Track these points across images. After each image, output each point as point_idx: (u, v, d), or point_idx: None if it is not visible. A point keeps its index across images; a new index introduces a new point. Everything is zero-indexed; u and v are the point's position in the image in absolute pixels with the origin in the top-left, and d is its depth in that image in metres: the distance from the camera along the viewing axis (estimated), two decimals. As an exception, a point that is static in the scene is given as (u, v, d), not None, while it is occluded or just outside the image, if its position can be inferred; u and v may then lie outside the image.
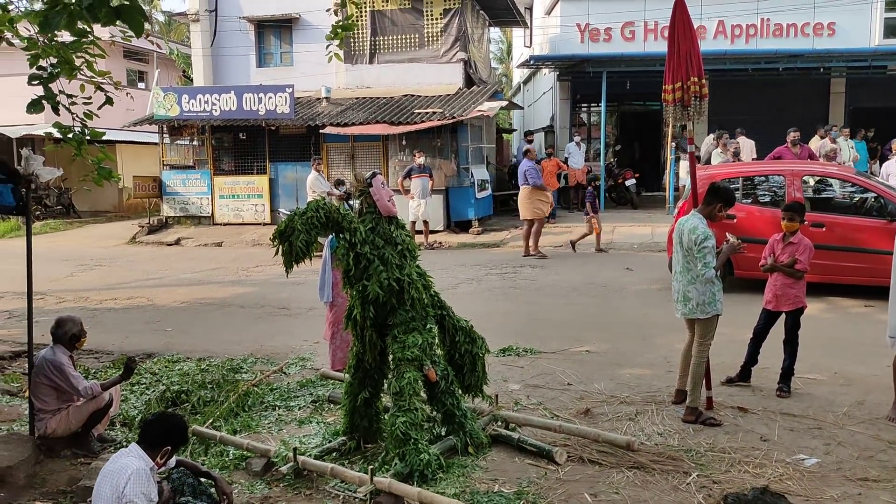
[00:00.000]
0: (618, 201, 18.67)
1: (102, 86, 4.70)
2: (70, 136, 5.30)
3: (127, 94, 5.50)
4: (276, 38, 18.47)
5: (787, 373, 6.06)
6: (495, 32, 42.16)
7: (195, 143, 17.72)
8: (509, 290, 10.35)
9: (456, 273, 11.67)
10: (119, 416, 6.00)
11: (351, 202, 13.50)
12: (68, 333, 5.44)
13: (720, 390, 6.14)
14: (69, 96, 4.89)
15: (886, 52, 17.46)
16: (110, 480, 3.46)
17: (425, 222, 14.11)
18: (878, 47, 17.78)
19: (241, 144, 17.39)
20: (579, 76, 19.15)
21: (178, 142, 18.02)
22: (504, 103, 16.70)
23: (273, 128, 16.53)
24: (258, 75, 18.25)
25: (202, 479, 3.89)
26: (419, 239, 14.16)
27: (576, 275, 11.29)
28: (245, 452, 5.08)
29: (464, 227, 15.48)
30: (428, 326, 4.94)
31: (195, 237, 16.62)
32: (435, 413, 5.18)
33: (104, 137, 5.14)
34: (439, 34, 16.97)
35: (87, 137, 5.03)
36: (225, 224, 17.29)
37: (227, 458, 5.09)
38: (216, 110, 16.01)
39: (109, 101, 4.44)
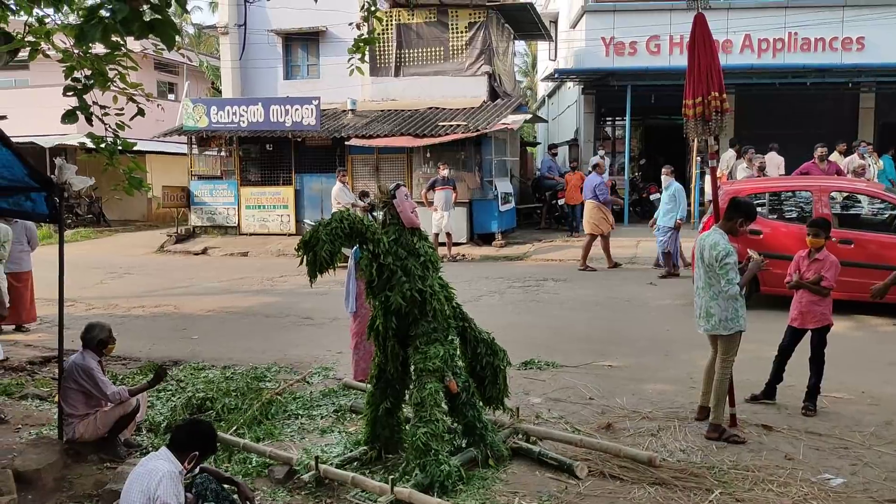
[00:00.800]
0: (642, 215, 18.57)
1: (134, 97, 4.79)
2: (102, 146, 5.41)
3: (158, 105, 5.60)
4: (303, 50, 18.71)
5: (812, 391, 5.98)
6: (520, 45, 42.41)
7: (223, 153, 17.97)
8: (532, 304, 10.34)
9: (478, 285, 11.69)
10: (145, 421, 6.08)
11: (375, 213, 13.70)
12: (97, 339, 5.54)
13: (744, 408, 6.08)
14: (102, 107, 5.00)
15: (917, 66, 17.25)
16: (140, 482, 3.51)
17: (448, 234, 14.16)
18: (909, 62, 17.57)
19: (268, 155, 17.61)
20: (604, 90, 19.15)
21: (207, 153, 18.29)
22: (528, 116, 16.74)
23: (299, 139, 16.72)
24: (285, 87, 18.49)
25: (225, 486, 3.93)
26: (442, 251, 14.21)
27: (599, 289, 11.25)
28: (268, 460, 5.13)
29: (487, 239, 15.51)
30: (450, 338, 4.97)
31: (221, 247, 16.82)
32: (456, 424, 5.19)
33: (135, 148, 5.25)
34: (464, 47, 17.09)
35: (119, 148, 5.14)
36: (251, 234, 17.50)
37: (249, 466, 5.14)
38: (244, 122, 16.24)
39: (141, 112, 4.55)
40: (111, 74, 4.52)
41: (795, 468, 4.94)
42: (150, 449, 5.57)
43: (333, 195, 13.91)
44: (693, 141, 16.43)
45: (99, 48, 4.26)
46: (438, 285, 5.04)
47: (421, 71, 17.46)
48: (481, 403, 5.33)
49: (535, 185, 18.63)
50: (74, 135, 23.08)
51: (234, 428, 5.83)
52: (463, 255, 14.47)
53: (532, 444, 5.37)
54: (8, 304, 8.75)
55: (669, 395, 6.50)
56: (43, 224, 21.72)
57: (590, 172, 13.31)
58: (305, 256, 4.69)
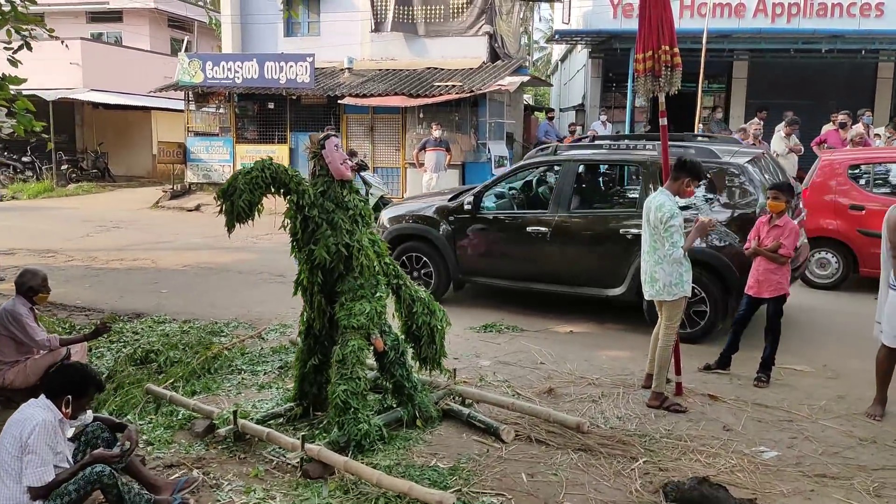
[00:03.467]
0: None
1: (32, 31, 4.59)
2: None
3: (62, 42, 5.22)
4: (304, 6, 18.36)
5: (766, 362, 5.78)
6: (545, 10, 41.46)
7: (221, 110, 17.80)
8: (509, 268, 10.12)
9: (460, 248, 11.48)
10: (86, 372, 6.03)
11: (363, 174, 13.49)
12: (26, 285, 5.44)
13: (695, 377, 5.91)
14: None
15: (938, 35, 16.54)
16: (14, 429, 3.42)
17: (439, 197, 13.92)
18: (930, 30, 16.86)
19: (265, 113, 17.40)
20: (611, 54, 18.58)
21: (205, 109, 18.13)
22: (525, 78, 16.30)
23: (294, 97, 16.49)
24: (285, 44, 18.19)
25: (118, 434, 3.84)
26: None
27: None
28: (192, 413, 5.05)
29: (479, 202, 15.23)
30: (377, 295, 4.81)
31: (214, 204, 16.71)
32: (386, 384, 5.07)
33: (139, 104, 5.01)
34: (465, 6, 16.64)
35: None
36: (246, 192, 17.32)
37: (174, 419, 5.07)
38: (238, 78, 16.02)
39: (28, 45, 4.35)
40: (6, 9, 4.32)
41: (731, 440, 4.78)
42: (88, 398, 5.53)
43: (323, 154, 13.68)
44: (698, 107, 16.00)
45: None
46: (368, 240, 4.86)
47: (420, 30, 17.05)
48: (416, 363, 5.21)
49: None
50: (80, 89, 23.16)
51: (172, 381, 5.76)
52: (453, 218, 14.25)
53: (468, 406, 5.24)
54: None
55: (623, 362, 6.33)
56: (43, 178, 21.86)
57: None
58: (223, 206, 4.54)
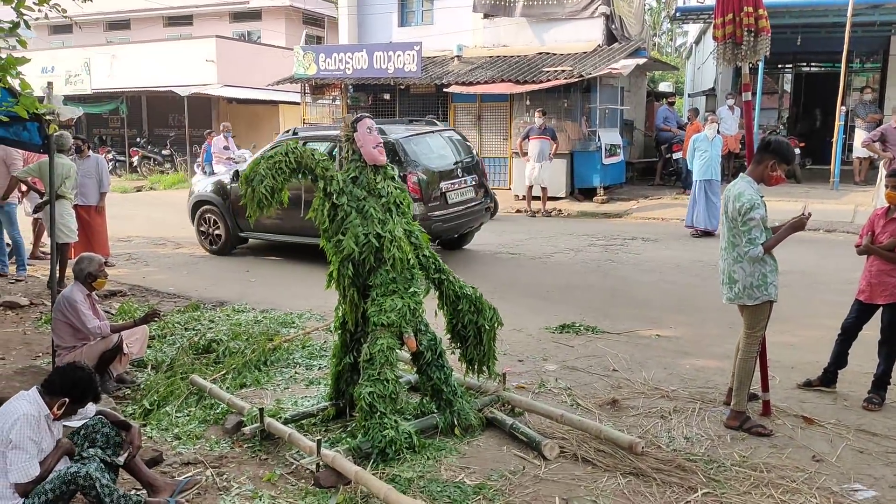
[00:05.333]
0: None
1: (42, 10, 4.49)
2: None
3: (74, 20, 5.17)
4: (417, -6, 18.26)
5: (880, 381, 4.87)
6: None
7: (337, 101, 18.04)
8: (605, 263, 9.44)
9: (557, 241, 10.88)
10: (150, 359, 6.08)
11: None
12: (84, 272, 5.50)
13: (792, 394, 5.09)
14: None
15: None
16: (-4, 420, 3.33)
17: (543, 188, 13.31)
18: None
19: (377, 104, 17.45)
20: (745, 33, 17.10)
21: (320, 101, 18.45)
22: (641, 61, 15.23)
23: (402, 87, 16.38)
24: (400, 34, 18.15)
25: (120, 431, 3.69)
26: (536, 205, 13.42)
27: (688, 251, 10.09)
28: (229, 408, 4.90)
29: (588, 194, 14.46)
30: (411, 290, 4.43)
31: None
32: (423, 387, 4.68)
33: (267, 98, 4.85)
34: (580, -14, 15.83)
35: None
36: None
37: (211, 412, 4.93)
38: (349, 69, 16.11)
39: (26, 24, 4.27)
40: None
41: (820, 472, 4.00)
42: (143, 386, 5.55)
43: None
44: (841, 88, 14.33)
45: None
46: (403, 231, 4.48)
47: (533, 13, 16.39)
48: (464, 367, 4.80)
49: (656, 138, 17.16)
50: (215, 85, 24.39)
51: (224, 372, 5.67)
52: (559, 211, 13.59)
53: (516, 415, 4.76)
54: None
55: (708, 372, 5.58)
56: (178, 169, 23.17)
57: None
58: (245, 192, 4.31)
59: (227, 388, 5.36)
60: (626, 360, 5.88)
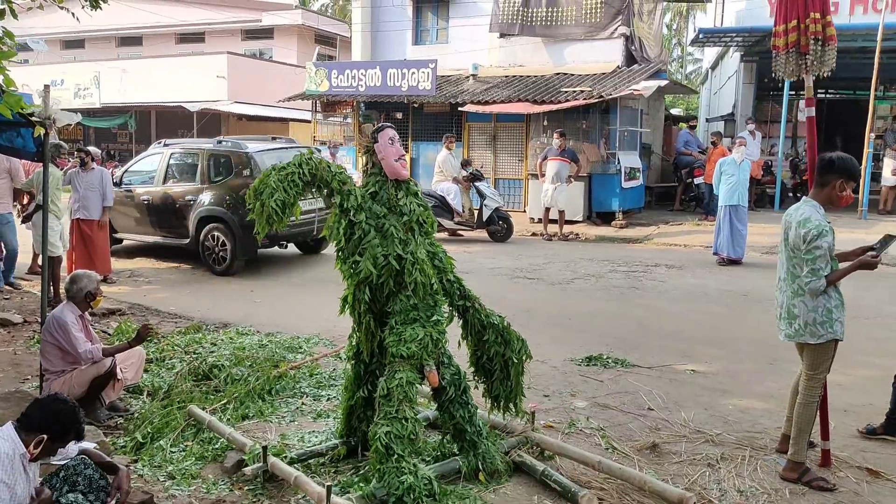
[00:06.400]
0: (802, 201, 16.16)
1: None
2: None
3: (72, 12, 4.85)
4: (433, 14, 17.97)
5: None
6: (700, 20, 39.22)
7: (348, 119, 17.72)
8: (628, 291, 8.97)
9: (577, 267, 10.42)
10: (145, 385, 5.64)
11: (478, 184, 12.73)
12: (83, 290, 5.10)
13: (852, 443, 4.61)
14: None
15: None
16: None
17: (561, 212, 12.87)
18: None
19: (389, 122, 17.11)
20: (766, 57, 16.73)
21: (332, 118, 18.13)
22: (663, 83, 14.87)
23: (416, 105, 16.05)
24: (414, 52, 17.86)
25: (105, 474, 3.25)
26: (552, 229, 12.98)
27: (714, 279, 9.62)
28: (229, 443, 4.44)
29: (607, 219, 14.02)
30: (434, 318, 3.99)
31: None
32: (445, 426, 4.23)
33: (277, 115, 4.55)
34: (599, 7, 15.50)
35: None
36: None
37: (210, 448, 4.48)
38: (362, 86, 15.80)
39: (13, 12, 3.90)
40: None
41: (896, 537, 3.51)
42: (137, 415, 5.10)
43: (438, 162, 13.10)
44: (870, 115, 13.93)
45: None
46: (426, 252, 4.05)
47: (550, 33, 16.06)
48: (488, 403, 4.34)
49: (675, 162, 16.77)
50: (225, 101, 24.18)
51: (225, 401, 5.21)
52: (576, 235, 13.14)
53: (546, 459, 4.29)
54: (66, 247, 8.85)
55: (754, 414, 5.11)
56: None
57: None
58: (253, 206, 3.89)
59: (228, 419, 4.92)
60: (661, 397, 5.40)
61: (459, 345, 4.30)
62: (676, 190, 16.06)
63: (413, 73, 15.11)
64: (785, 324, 4.05)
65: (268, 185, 3.82)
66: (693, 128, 16.42)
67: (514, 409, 4.37)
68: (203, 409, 4.94)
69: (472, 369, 4.33)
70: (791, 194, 16.12)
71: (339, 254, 4.10)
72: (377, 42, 18.50)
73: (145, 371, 5.77)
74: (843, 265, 3.94)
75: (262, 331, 7.28)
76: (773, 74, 4.32)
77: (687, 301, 8.42)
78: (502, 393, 4.33)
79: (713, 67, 26.20)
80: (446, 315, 4.13)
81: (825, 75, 4.18)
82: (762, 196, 15.89)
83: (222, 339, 6.95)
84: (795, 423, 4.06)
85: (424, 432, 4.57)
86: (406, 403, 3.81)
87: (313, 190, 3.99)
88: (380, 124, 4.19)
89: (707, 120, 24.15)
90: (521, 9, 15.80)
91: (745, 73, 17.96)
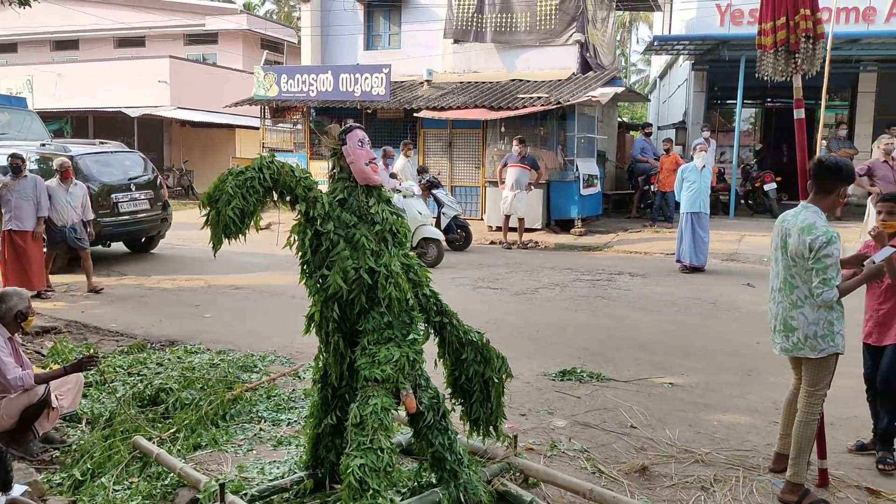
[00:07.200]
0: (755, 209, 16.27)
1: None
2: None
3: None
4: (385, 19, 17.63)
5: (886, 436, 4.25)
6: (644, 32, 39.75)
7: (298, 126, 17.20)
8: (595, 300, 8.76)
9: (540, 276, 10.18)
10: (85, 412, 5.12)
11: (436, 192, 12.40)
12: (13, 310, 4.59)
13: (845, 459, 4.42)
14: None
15: None
16: None
17: (521, 220, 12.64)
18: None
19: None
20: (717, 65, 16.91)
21: (281, 124, 17.59)
22: (620, 89, 14.85)
23: (369, 111, 15.66)
24: (365, 58, 17.47)
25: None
26: (512, 237, 12.75)
27: (680, 288, 9.48)
28: (180, 479, 3.99)
29: (565, 226, 13.86)
30: (410, 337, 3.62)
31: (287, 223, 16.04)
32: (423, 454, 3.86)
33: (222, 121, 4.18)
34: (554, 13, 15.39)
35: None
36: (319, 210, 16.60)
37: (159, 484, 4.01)
38: (313, 91, 15.34)
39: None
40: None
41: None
42: (75, 447, 4.59)
43: (396, 170, 12.73)
44: (821, 124, 14.06)
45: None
46: (400, 265, 3.69)
47: (504, 39, 15.88)
48: (467, 427, 3.99)
49: (630, 170, 16.76)
50: (167, 107, 23.33)
51: (175, 430, 4.74)
52: (536, 243, 12.93)
53: (531, 486, 3.97)
54: None
55: (740, 430, 4.88)
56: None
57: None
58: (208, 215, 3.48)
59: (179, 450, 4.45)
60: (642, 414, 5.14)
61: (436, 364, 3.94)
62: (633, 197, 16.03)
63: (366, 78, 14.73)
64: (781, 336, 3.82)
65: (224, 192, 3.41)
66: (648, 135, 16.43)
67: (494, 433, 4.03)
68: (150, 438, 4.47)
69: (450, 391, 3.98)
70: (743, 201, 16.25)
71: (304, 268, 3.73)
72: (327, 47, 18.05)
73: (84, 396, 5.26)
74: (844, 272, 3.73)
75: (213, 349, 6.80)
76: (757, 75, 4.11)
77: (656, 310, 8.23)
78: (482, 415, 3.98)
79: (661, 76, 26.51)
80: (423, 333, 3.78)
81: (785, 79, 4.00)
82: (716, 203, 15.96)
83: (169, 359, 6.44)
84: (795, 443, 3.83)
85: (398, 459, 4.22)
86: (381, 432, 3.42)
87: (275, 196, 3.59)
88: (349, 125, 3.81)
89: (658, 128, 24.38)
90: (475, 15, 15.59)
91: (696, 81, 18.10)
